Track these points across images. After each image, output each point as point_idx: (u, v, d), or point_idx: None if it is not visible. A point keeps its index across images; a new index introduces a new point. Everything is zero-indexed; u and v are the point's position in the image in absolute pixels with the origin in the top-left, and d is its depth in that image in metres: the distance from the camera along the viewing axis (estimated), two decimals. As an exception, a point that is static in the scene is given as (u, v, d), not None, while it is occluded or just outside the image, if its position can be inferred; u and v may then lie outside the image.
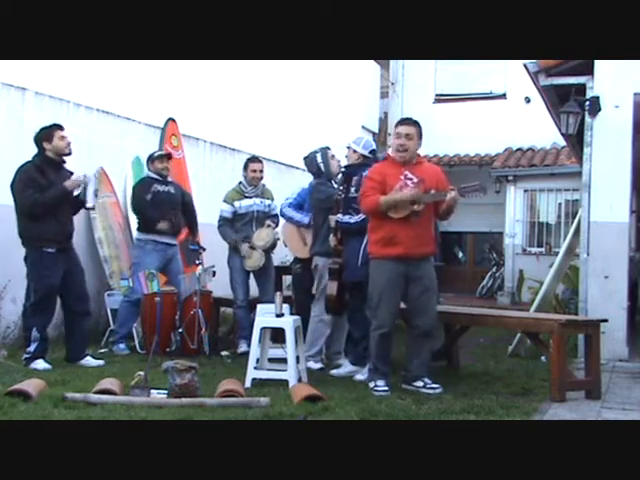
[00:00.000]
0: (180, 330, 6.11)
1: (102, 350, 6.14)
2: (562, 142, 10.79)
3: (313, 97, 11.14)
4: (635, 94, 6.33)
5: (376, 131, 14.53)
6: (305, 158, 5.95)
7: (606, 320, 5.10)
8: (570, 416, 4.15)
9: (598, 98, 6.38)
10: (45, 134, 5.34)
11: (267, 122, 9.93)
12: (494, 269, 14.23)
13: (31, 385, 4.20)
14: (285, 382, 4.68)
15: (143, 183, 6.49)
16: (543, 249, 13.54)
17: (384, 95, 14.96)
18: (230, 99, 9.13)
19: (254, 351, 4.86)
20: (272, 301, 5.14)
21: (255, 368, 4.86)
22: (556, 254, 8.57)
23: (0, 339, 5.94)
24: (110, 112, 7.31)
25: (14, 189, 5.30)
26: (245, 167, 6.60)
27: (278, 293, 5.03)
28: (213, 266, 6.64)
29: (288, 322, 4.88)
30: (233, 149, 9.44)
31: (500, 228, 14.05)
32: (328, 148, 5.90)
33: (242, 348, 6.18)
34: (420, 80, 14.83)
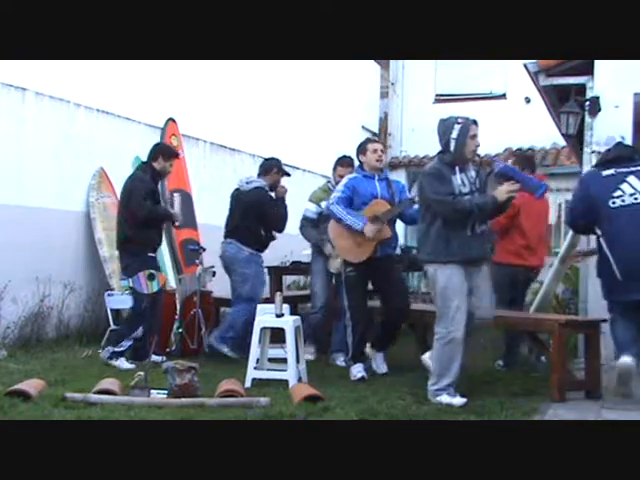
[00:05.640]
0: (180, 330, 6.12)
1: (102, 350, 6.13)
2: (562, 142, 10.77)
3: (313, 97, 11.13)
4: (635, 94, 6.32)
5: (376, 131, 14.52)
6: (443, 121, 4.58)
7: (606, 320, 5.09)
8: (570, 416, 4.15)
9: (598, 98, 6.37)
10: (169, 153, 5.87)
11: (267, 122, 9.92)
12: (494, 269, 14.20)
13: (31, 385, 4.19)
14: (285, 382, 4.68)
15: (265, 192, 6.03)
16: (543, 249, 13.52)
17: (384, 95, 14.93)
18: (230, 99, 9.12)
19: (254, 351, 4.86)
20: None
21: (255, 368, 4.86)
22: (556, 254, 8.55)
23: (0, 339, 5.94)
24: (110, 112, 7.31)
25: (133, 196, 5.56)
26: (334, 168, 6.10)
27: (278, 293, 5.02)
28: (213, 266, 6.64)
29: (288, 322, 4.88)
30: (233, 149, 9.44)
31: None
32: (475, 122, 4.53)
33: (309, 356, 5.70)
34: (420, 80, 14.80)
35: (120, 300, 6.65)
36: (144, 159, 7.58)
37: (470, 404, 4.26)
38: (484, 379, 5.23)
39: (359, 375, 5.09)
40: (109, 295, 6.70)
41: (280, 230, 6.07)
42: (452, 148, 4.46)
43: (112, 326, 6.49)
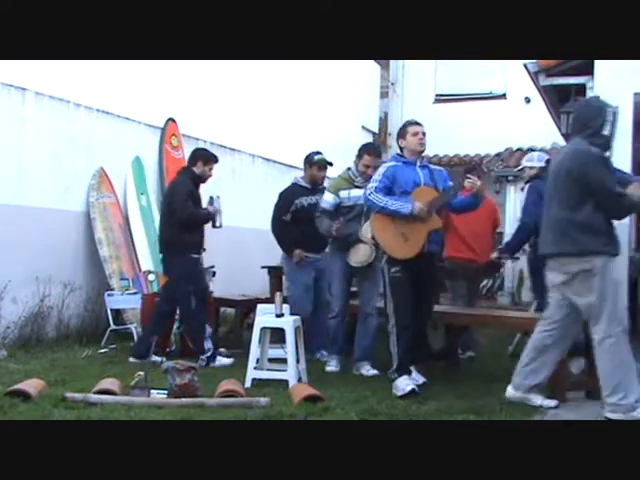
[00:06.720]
0: (180, 330, 6.11)
1: (102, 350, 6.14)
2: (562, 142, 10.78)
3: (313, 97, 11.14)
4: (635, 94, 6.33)
5: (376, 131, 14.53)
6: (589, 102, 4.53)
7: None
8: (570, 416, 4.14)
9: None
10: (208, 158, 5.84)
11: (267, 122, 9.93)
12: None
13: (31, 385, 4.19)
14: (285, 382, 4.68)
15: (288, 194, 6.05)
16: (543, 249, 13.52)
17: (384, 95, 14.96)
18: (230, 99, 9.13)
19: (254, 351, 4.86)
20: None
21: (255, 368, 4.86)
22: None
23: (0, 339, 5.94)
24: (110, 112, 7.31)
25: (175, 199, 5.64)
26: (359, 156, 5.48)
27: (278, 293, 5.02)
28: (213, 266, 6.64)
29: (288, 322, 4.88)
30: (233, 149, 9.44)
31: (500, 228, 14.02)
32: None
33: (331, 367, 5.52)
34: (420, 80, 14.82)
35: (120, 300, 6.67)
36: (144, 159, 7.62)
37: (470, 404, 4.26)
38: (484, 379, 5.23)
39: (408, 388, 4.44)
40: (109, 295, 6.71)
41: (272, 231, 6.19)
42: (607, 131, 4.04)
43: (112, 326, 6.50)
